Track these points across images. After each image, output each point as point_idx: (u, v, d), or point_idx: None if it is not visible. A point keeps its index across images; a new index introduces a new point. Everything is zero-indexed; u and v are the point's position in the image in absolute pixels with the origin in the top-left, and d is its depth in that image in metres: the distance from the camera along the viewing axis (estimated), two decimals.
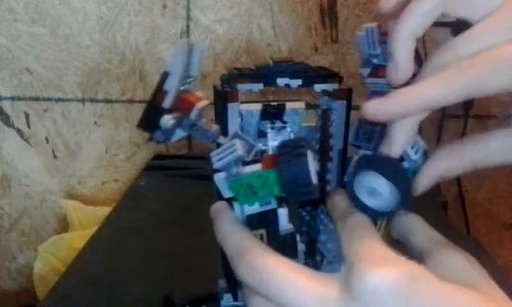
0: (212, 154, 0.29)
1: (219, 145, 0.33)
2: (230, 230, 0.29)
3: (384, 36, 0.31)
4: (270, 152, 0.32)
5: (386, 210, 0.30)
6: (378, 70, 0.32)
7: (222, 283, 0.40)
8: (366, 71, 0.33)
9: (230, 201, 0.30)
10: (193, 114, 0.29)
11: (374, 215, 0.30)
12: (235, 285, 0.38)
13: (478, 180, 1.11)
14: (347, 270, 0.26)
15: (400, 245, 0.31)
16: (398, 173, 0.29)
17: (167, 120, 0.28)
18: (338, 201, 0.32)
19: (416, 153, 0.31)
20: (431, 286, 0.25)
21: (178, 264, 0.64)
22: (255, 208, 0.30)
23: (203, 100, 0.29)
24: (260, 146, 0.31)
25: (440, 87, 0.28)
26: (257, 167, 0.29)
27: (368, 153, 0.33)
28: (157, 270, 0.63)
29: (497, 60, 0.28)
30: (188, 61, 0.29)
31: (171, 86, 0.28)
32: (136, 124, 0.29)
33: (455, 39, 0.29)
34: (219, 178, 0.29)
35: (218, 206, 0.31)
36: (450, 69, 0.28)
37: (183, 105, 0.28)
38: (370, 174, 0.29)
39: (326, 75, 0.35)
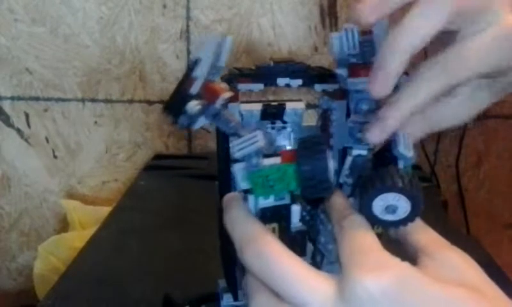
0: (233, 144, 0.29)
1: (218, 142, 0.34)
2: (241, 217, 0.30)
3: (364, 35, 0.32)
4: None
5: (403, 219, 0.30)
6: (357, 69, 0.32)
7: (222, 283, 0.40)
8: (344, 71, 0.33)
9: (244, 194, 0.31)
10: (218, 103, 0.29)
11: (392, 226, 0.30)
12: (235, 285, 0.38)
13: (478, 180, 1.11)
14: (342, 273, 0.26)
15: (397, 243, 0.31)
16: (414, 185, 0.29)
17: (193, 106, 0.29)
18: (336, 201, 0.32)
19: (409, 149, 0.31)
20: (423, 287, 0.25)
21: (178, 264, 0.64)
22: (269, 202, 0.30)
23: (228, 91, 0.30)
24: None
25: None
26: (277, 160, 0.29)
27: (363, 152, 0.33)
28: (157, 270, 0.63)
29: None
30: (218, 51, 0.29)
31: (200, 73, 0.29)
32: (162, 107, 0.30)
33: None
34: (238, 168, 0.29)
35: (231, 195, 0.32)
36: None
37: (209, 93, 0.29)
38: (390, 194, 0.29)
39: (326, 75, 0.35)
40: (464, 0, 0.30)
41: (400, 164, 0.31)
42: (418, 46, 0.30)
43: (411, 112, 0.30)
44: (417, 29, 0.29)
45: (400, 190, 0.28)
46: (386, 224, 0.30)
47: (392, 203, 0.29)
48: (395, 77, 0.30)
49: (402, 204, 0.29)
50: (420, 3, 0.30)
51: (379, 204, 0.29)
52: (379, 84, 0.30)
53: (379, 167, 0.30)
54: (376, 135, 0.31)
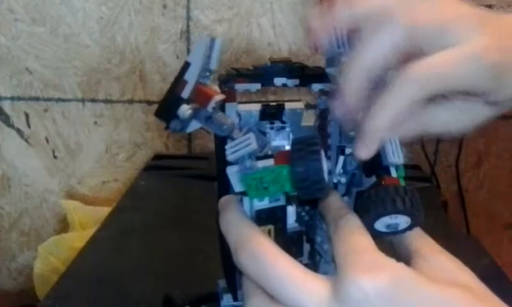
0: (227, 147, 0.29)
1: (216, 143, 0.34)
2: (236, 220, 0.30)
3: (353, 33, 0.32)
4: (269, 153, 0.32)
5: (402, 230, 0.30)
6: None
7: (222, 283, 0.40)
8: (335, 70, 0.33)
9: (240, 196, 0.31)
10: (210, 107, 0.29)
11: (391, 235, 0.30)
12: (234, 285, 0.38)
13: (478, 180, 1.11)
14: (337, 274, 0.26)
15: (390, 245, 0.31)
16: (414, 203, 0.29)
17: (185, 110, 0.29)
18: (331, 202, 0.32)
19: (398, 155, 0.31)
20: (419, 288, 0.25)
21: (178, 264, 0.64)
22: (264, 204, 0.30)
23: (220, 93, 0.30)
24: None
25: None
26: (270, 162, 0.29)
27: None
28: (157, 270, 0.63)
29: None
30: (209, 54, 0.29)
31: (191, 77, 0.29)
32: (154, 112, 0.30)
33: None
34: (232, 170, 0.29)
35: (227, 198, 0.32)
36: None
37: (200, 97, 0.29)
38: (392, 216, 0.29)
39: (324, 74, 0.35)
40: (420, 19, 0.30)
41: (393, 172, 0.31)
42: (373, 68, 0.30)
43: (390, 122, 0.30)
44: (369, 54, 0.30)
45: (403, 212, 0.29)
46: (386, 235, 0.30)
47: (393, 222, 0.29)
48: (357, 93, 0.30)
49: (402, 221, 0.29)
50: (369, 28, 0.30)
51: (380, 224, 0.30)
52: (344, 101, 0.30)
53: (378, 187, 0.30)
54: (364, 152, 0.30)
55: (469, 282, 0.27)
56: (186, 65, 0.29)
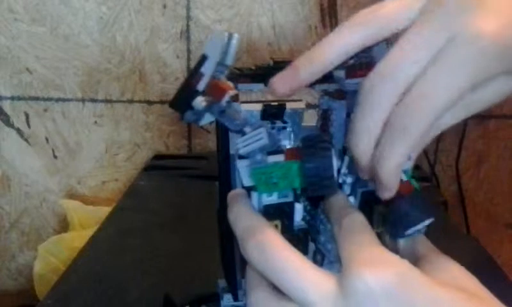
0: (238, 141, 0.30)
1: (219, 139, 0.34)
2: (244, 212, 0.30)
3: None
4: (280, 148, 0.33)
5: (422, 229, 0.31)
6: (354, 70, 0.32)
7: (222, 283, 0.40)
8: (341, 73, 0.33)
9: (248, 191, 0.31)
10: (224, 101, 0.30)
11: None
12: (235, 285, 0.38)
13: (478, 180, 1.11)
14: (342, 270, 0.26)
15: (397, 251, 0.32)
16: (430, 207, 0.30)
17: (199, 102, 0.29)
18: (335, 201, 0.32)
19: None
20: (423, 285, 0.25)
21: (178, 264, 0.64)
22: (272, 199, 0.31)
23: (234, 89, 0.30)
24: None
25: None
26: (281, 157, 0.29)
27: None
28: (157, 270, 0.63)
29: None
30: (225, 49, 0.30)
31: (207, 70, 0.29)
32: (169, 103, 0.30)
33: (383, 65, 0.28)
34: (243, 164, 0.30)
35: (236, 192, 0.32)
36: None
37: (215, 90, 0.29)
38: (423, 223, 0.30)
39: (326, 75, 0.35)
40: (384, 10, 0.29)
41: (403, 176, 0.31)
42: (334, 61, 0.30)
43: (403, 159, 0.28)
44: (332, 46, 0.30)
45: (431, 217, 0.30)
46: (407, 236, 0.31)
47: (418, 228, 0.30)
48: (302, 84, 0.30)
49: (424, 223, 0.30)
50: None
51: (410, 231, 0.30)
52: (285, 82, 0.30)
53: (399, 200, 0.30)
54: (387, 194, 0.30)
55: (475, 289, 0.27)
56: (203, 58, 0.29)
